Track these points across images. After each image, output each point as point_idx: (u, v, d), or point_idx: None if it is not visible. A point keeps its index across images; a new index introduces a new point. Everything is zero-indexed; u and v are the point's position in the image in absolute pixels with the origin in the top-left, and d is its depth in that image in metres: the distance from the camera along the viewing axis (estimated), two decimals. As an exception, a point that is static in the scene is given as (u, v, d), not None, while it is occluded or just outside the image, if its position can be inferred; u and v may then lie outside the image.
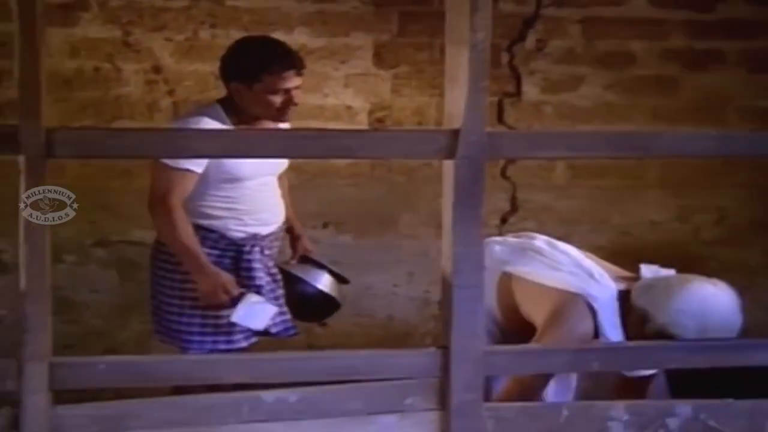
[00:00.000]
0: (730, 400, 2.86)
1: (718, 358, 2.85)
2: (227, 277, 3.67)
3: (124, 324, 4.90)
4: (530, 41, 4.98)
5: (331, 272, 3.98)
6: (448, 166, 2.71)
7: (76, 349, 4.64)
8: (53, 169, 2.58)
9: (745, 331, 3.13)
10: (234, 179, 3.72)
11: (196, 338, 3.74)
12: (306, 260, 4.02)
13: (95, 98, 4.80)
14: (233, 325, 3.74)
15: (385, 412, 2.76)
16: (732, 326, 3.05)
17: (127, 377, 2.68)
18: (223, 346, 3.74)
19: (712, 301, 3.05)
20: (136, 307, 4.87)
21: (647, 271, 3.29)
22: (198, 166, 3.64)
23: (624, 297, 3.20)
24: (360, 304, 4.91)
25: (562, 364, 2.85)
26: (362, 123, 4.91)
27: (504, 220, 5.03)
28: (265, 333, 3.84)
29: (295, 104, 3.72)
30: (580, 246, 3.70)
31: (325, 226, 4.93)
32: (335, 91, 4.91)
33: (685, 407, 2.83)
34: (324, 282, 3.95)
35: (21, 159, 2.57)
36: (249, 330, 3.77)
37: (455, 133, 2.67)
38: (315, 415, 2.73)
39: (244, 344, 3.78)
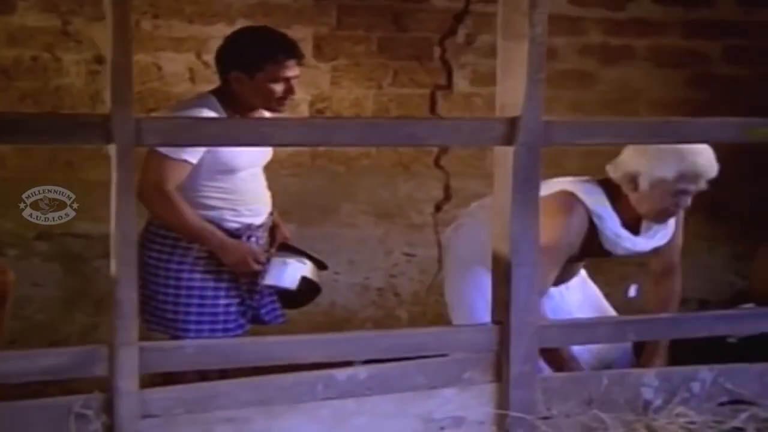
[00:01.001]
0: (745, 365, 3.15)
1: (739, 326, 3.14)
2: (249, 245, 3.75)
3: (69, 317, 4.84)
4: (460, 36, 5.21)
5: (311, 258, 4.08)
6: (504, 152, 2.89)
7: (18, 344, 4.54)
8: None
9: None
10: (229, 170, 3.77)
11: (193, 327, 3.77)
12: (286, 248, 4.10)
13: (34, 88, 4.73)
14: (229, 313, 3.80)
15: (446, 386, 2.91)
16: (710, 157, 3.39)
17: (212, 359, 2.74)
18: (219, 335, 3.78)
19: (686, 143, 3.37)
20: (80, 301, 4.83)
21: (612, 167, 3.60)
22: (194, 156, 3.67)
23: (606, 184, 3.52)
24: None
25: (608, 335, 3.08)
26: (303, 113, 5.01)
27: (438, 208, 5.24)
28: (255, 320, 3.91)
29: (294, 93, 3.79)
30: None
31: (269, 215, 4.98)
32: (277, 83, 4.98)
33: (706, 372, 3.11)
34: (306, 269, 4.04)
35: (112, 148, 2.58)
36: (243, 318, 3.84)
37: (512, 122, 2.85)
38: (383, 391, 2.86)
39: (239, 332, 3.83)
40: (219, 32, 4.85)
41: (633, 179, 3.42)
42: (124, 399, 2.62)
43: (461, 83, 5.22)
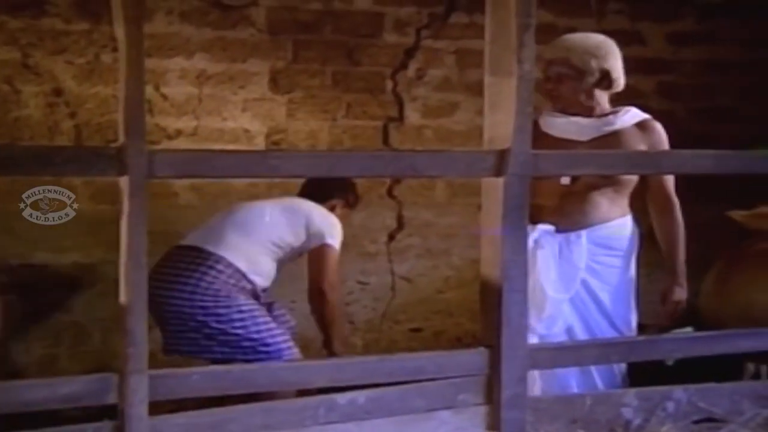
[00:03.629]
0: (716, 384, 3.33)
1: (712, 346, 3.31)
2: None
3: (26, 348, 4.81)
4: (411, 70, 5.35)
5: None
6: (493, 183, 3.03)
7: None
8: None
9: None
10: None
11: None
12: None
13: (-8, 119, 4.73)
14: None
15: (441, 408, 3.02)
16: (569, 44, 3.73)
17: (219, 385, 2.80)
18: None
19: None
20: (38, 332, 4.82)
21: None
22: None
23: None
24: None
25: (595, 357, 3.22)
26: (259, 145, 5.09)
27: (391, 237, 5.36)
28: None
29: None
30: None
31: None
32: (234, 115, 5.08)
33: (680, 392, 3.28)
34: None
35: (124, 180, 2.65)
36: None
37: (501, 153, 2.99)
38: (382, 414, 2.96)
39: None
40: (177, 65, 4.95)
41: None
42: (134, 426, 2.67)
43: (412, 116, 5.35)
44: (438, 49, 5.40)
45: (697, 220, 5.54)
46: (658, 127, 3.65)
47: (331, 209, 4.39)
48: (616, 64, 3.68)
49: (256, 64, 5.09)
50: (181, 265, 4.09)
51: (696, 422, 3.26)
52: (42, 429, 2.68)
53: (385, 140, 5.29)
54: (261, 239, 4.15)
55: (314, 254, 4.18)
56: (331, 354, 4.25)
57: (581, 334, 3.59)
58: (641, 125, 3.65)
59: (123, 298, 2.67)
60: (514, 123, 2.97)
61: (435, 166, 2.99)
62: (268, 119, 5.13)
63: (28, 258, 4.79)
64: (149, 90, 4.90)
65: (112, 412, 2.73)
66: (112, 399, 2.68)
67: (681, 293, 3.79)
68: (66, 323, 4.86)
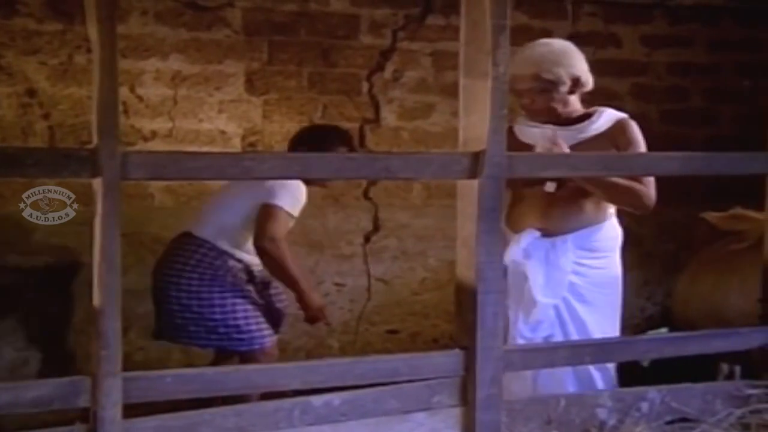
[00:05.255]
0: (688, 384, 3.34)
1: (684, 347, 3.33)
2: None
3: (-4, 353, 4.79)
4: (388, 72, 5.35)
5: None
6: (468, 185, 3.03)
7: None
8: None
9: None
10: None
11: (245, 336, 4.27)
12: None
13: (-35, 121, 4.70)
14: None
15: (417, 410, 3.02)
16: (523, 58, 3.66)
17: (192, 388, 2.78)
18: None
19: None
20: (10, 335, 4.79)
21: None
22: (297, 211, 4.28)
23: None
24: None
25: (567, 358, 3.22)
26: (236, 147, 5.09)
27: (367, 239, 5.35)
28: None
29: None
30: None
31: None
32: (209, 116, 5.07)
33: (653, 393, 3.28)
34: None
35: (97, 181, 2.63)
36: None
37: (476, 155, 2.99)
38: (358, 416, 2.95)
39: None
40: (152, 66, 4.93)
41: None
42: (107, 429, 2.65)
43: (389, 117, 5.36)
44: (414, 51, 5.40)
45: (669, 221, 5.62)
46: (632, 126, 3.64)
47: None
48: (583, 66, 3.69)
49: (232, 65, 5.08)
50: (173, 251, 4.31)
51: (669, 422, 3.26)
52: (14, 432, 2.66)
53: (362, 142, 5.29)
54: (240, 216, 4.25)
55: (259, 213, 4.21)
56: (307, 310, 4.36)
57: (567, 336, 3.60)
58: (615, 127, 3.65)
59: (96, 300, 2.66)
60: (489, 125, 2.97)
61: (409, 168, 2.98)
62: (244, 121, 5.12)
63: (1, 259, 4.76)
64: (124, 91, 4.89)
65: (85, 416, 2.71)
66: (84, 402, 2.66)
67: None
68: (39, 327, 4.82)
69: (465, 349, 3.05)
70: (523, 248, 3.60)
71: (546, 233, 3.65)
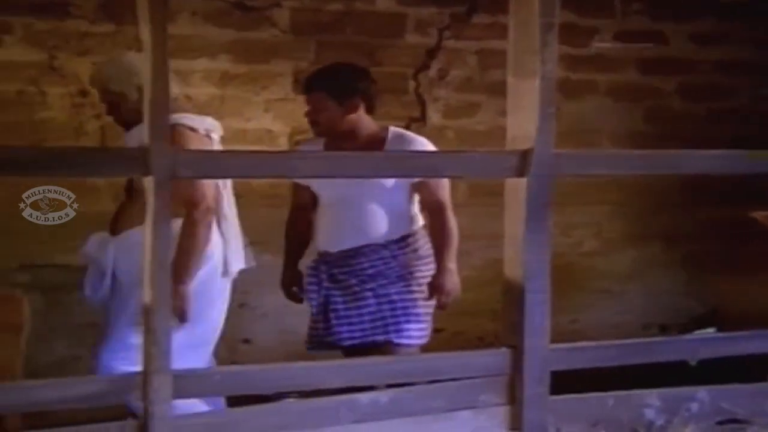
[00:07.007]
0: (738, 385, 3.32)
1: (733, 347, 3.31)
2: None
3: (48, 349, 4.84)
4: (433, 70, 5.36)
5: None
6: (516, 183, 3.03)
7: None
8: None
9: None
10: None
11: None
12: None
13: (18, 122, 4.75)
14: None
15: (462, 408, 3.03)
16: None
17: (239, 385, 2.82)
18: None
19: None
20: (60, 332, 4.85)
21: None
22: None
23: None
24: (282, 321, 5.09)
25: (613, 356, 3.22)
26: (282, 146, 5.11)
27: (411, 237, 5.35)
28: None
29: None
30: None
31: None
32: (256, 116, 5.10)
33: (703, 393, 3.27)
34: None
35: (149, 180, 2.67)
36: None
37: (524, 154, 3.00)
38: (403, 414, 2.96)
39: None
40: (200, 66, 4.97)
41: None
42: (157, 424, 2.69)
43: (434, 116, 5.37)
44: (460, 50, 5.40)
45: (713, 219, 5.59)
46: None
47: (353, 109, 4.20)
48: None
49: (279, 64, 5.11)
50: None
51: (720, 423, 3.25)
52: (65, 428, 2.70)
53: (408, 141, 5.28)
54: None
55: None
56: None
57: None
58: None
59: (146, 297, 2.69)
60: (537, 123, 2.98)
61: (454, 167, 3.00)
62: (290, 120, 5.14)
63: (51, 258, 4.81)
64: (173, 90, 4.93)
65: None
66: (135, 398, 2.70)
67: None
68: (87, 323, 4.87)
69: (512, 347, 3.06)
70: None
71: None
